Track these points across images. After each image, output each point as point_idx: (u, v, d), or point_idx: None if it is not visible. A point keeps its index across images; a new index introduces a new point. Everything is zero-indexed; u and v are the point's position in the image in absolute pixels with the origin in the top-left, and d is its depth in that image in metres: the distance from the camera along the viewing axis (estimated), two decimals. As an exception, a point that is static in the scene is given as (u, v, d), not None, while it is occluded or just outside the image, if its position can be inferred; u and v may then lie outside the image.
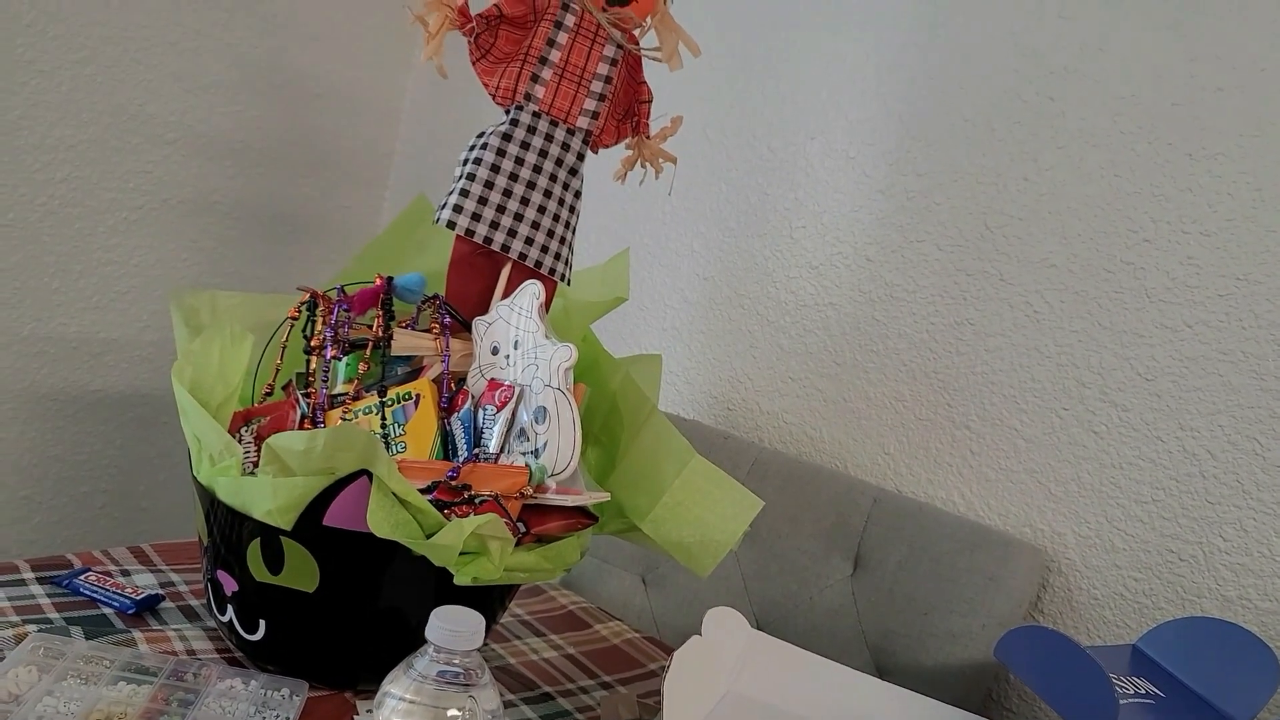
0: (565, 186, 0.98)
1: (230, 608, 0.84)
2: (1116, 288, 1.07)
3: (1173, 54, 1.04)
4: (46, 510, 1.65)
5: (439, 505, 0.79)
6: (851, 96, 1.31)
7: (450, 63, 0.98)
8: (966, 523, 1.12)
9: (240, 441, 0.85)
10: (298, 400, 0.91)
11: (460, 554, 0.77)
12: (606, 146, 1.02)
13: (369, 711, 0.82)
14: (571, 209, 1.00)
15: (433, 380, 0.91)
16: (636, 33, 0.99)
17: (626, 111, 1.02)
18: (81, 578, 0.95)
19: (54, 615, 0.89)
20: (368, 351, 0.92)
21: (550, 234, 0.98)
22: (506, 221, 0.95)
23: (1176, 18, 1.04)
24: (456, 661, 0.61)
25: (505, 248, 0.95)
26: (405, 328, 0.95)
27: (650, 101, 1.02)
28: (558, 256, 0.99)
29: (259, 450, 0.82)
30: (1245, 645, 0.88)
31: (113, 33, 1.54)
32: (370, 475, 0.76)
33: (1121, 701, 0.78)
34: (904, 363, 1.24)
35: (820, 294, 1.33)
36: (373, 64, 1.88)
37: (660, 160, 1.05)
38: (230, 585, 0.83)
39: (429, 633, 0.62)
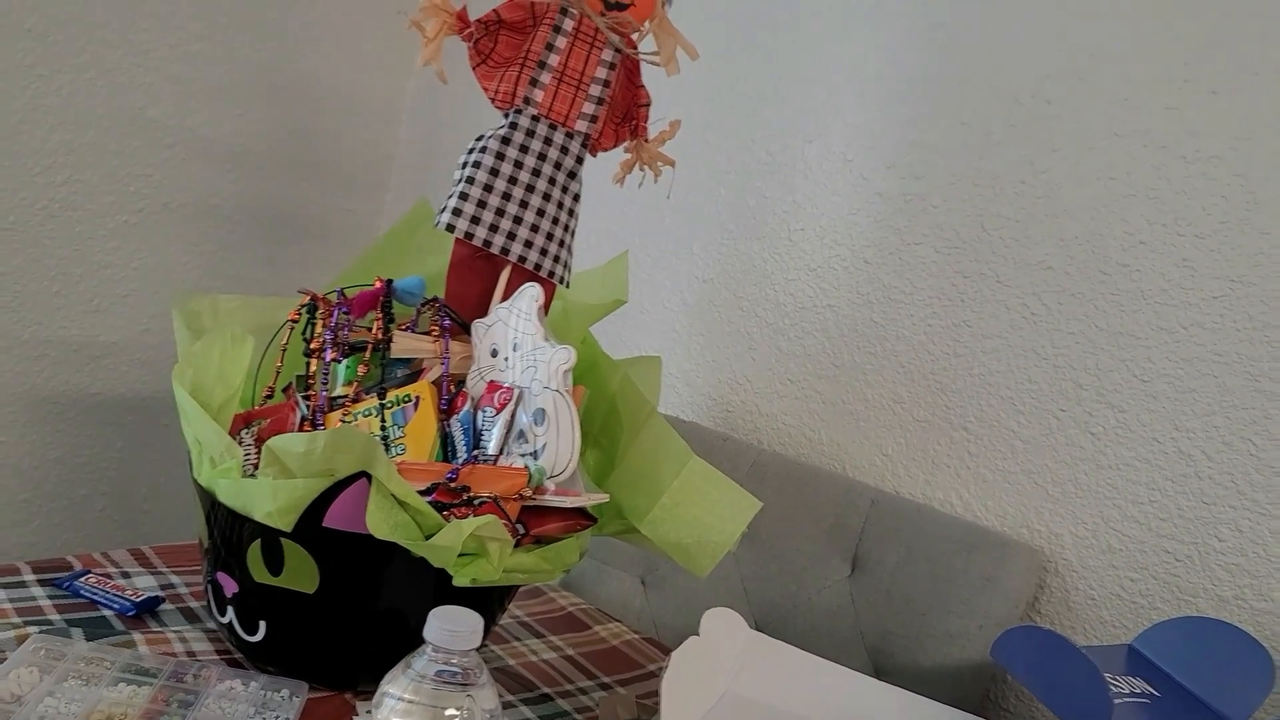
0: (564, 189, 0.99)
1: (230, 609, 0.85)
2: (1113, 290, 1.07)
3: (1166, 58, 1.05)
4: (47, 513, 1.65)
5: (438, 507, 0.80)
6: (849, 100, 1.32)
7: (449, 66, 0.99)
8: (964, 524, 1.12)
9: (241, 444, 0.85)
10: (298, 403, 0.91)
11: (459, 555, 0.78)
12: (605, 150, 1.03)
13: (368, 712, 0.83)
14: (570, 212, 1.01)
15: (432, 382, 0.92)
16: (635, 37, 0.99)
17: (625, 115, 1.03)
18: (82, 580, 0.95)
19: (55, 617, 0.89)
20: (367, 354, 0.92)
21: (549, 237, 0.98)
22: (506, 224, 0.96)
23: (1169, 22, 1.05)
24: (455, 661, 0.62)
25: (504, 250, 0.96)
26: (405, 330, 0.96)
27: (649, 105, 1.03)
28: (557, 259, 1.00)
29: (259, 452, 0.82)
30: (1240, 645, 0.88)
31: (113, 37, 1.55)
32: (370, 477, 0.76)
33: (1116, 701, 0.78)
34: (902, 364, 1.24)
35: (818, 296, 1.33)
36: (373, 67, 1.89)
37: (659, 163, 1.06)
38: (230, 587, 0.84)
39: (427, 633, 0.62)
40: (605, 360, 1.02)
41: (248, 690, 0.81)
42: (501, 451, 0.87)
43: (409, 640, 0.66)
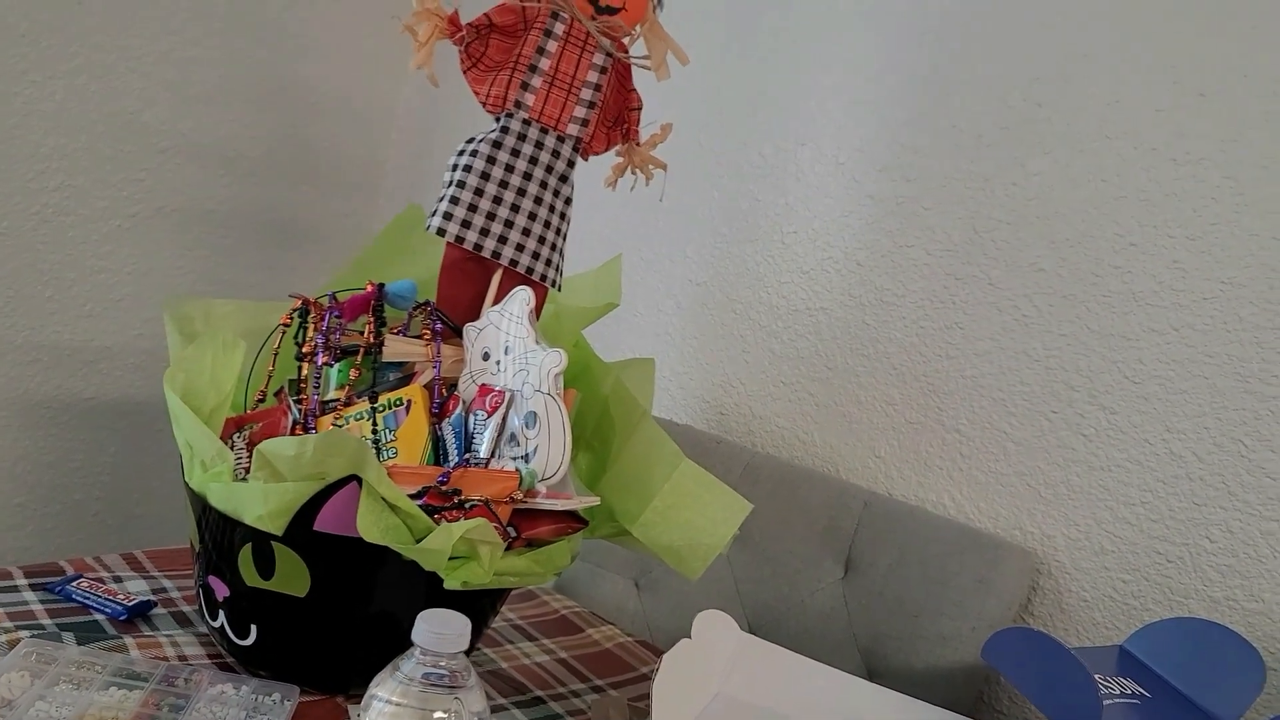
0: (555, 193, 0.99)
1: (222, 613, 0.85)
2: (1104, 291, 1.08)
3: (1155, 60, 1.05)
4: (41, 517, 1.65)
5: (429, 510, 0.80)
6: (841, 103, 1.32)
7: (442, 71, 0.99)
8: (957, 526, 1.12)
9: (233, 448, 0.85)
10: (290, 406, 0.91)
11: (450, 558, 0.78)
12: (597, 153, 1.03)
13: (359, 715, 0.83)
14: (562, 215, 1.01)
15: (424, 386, 0.92)
16: (626, 41, 0.99)
17: (616, 119, 1.03)
18: (74, 584, 0.95)
19: (46, 621, 0.89)
20: (359, 358, 0.92)
21: (541, 240, 0.98)
22: (497, 228, 0.96)
23: (1159, 24, 1.05)
24: (442, 664, 0.62)
25: (496, 254, 0.96)
26: (397, 334, 0.96)
27: (640, 109, 1.03)
28: (548, 263, 1.00)
29: (251, 456, 0.82)
30: (1231, 646, 0.88)
31: (106, 42, 1.55)
32: (360, 480, 0.76)
33: (1106, 702, 0.78)
34: (894, 366, 1.24)
35: (811, 299, 1.33)
36: (367, 72, 1.89)
37: (650, 167, 1.06)
38: (222, 590, 0.84)
39: (415, 635, 0.62)
40: (598, 363, 1.02)
41: (239, 694, 0.81)
42: (493, 455, 0.87)
43: (400, 643, 0.66)
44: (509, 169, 0.96)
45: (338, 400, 0.91)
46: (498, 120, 0.97)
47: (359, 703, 0.84)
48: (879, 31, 1.29)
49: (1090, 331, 1.08)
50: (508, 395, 0.88)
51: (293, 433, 0.89)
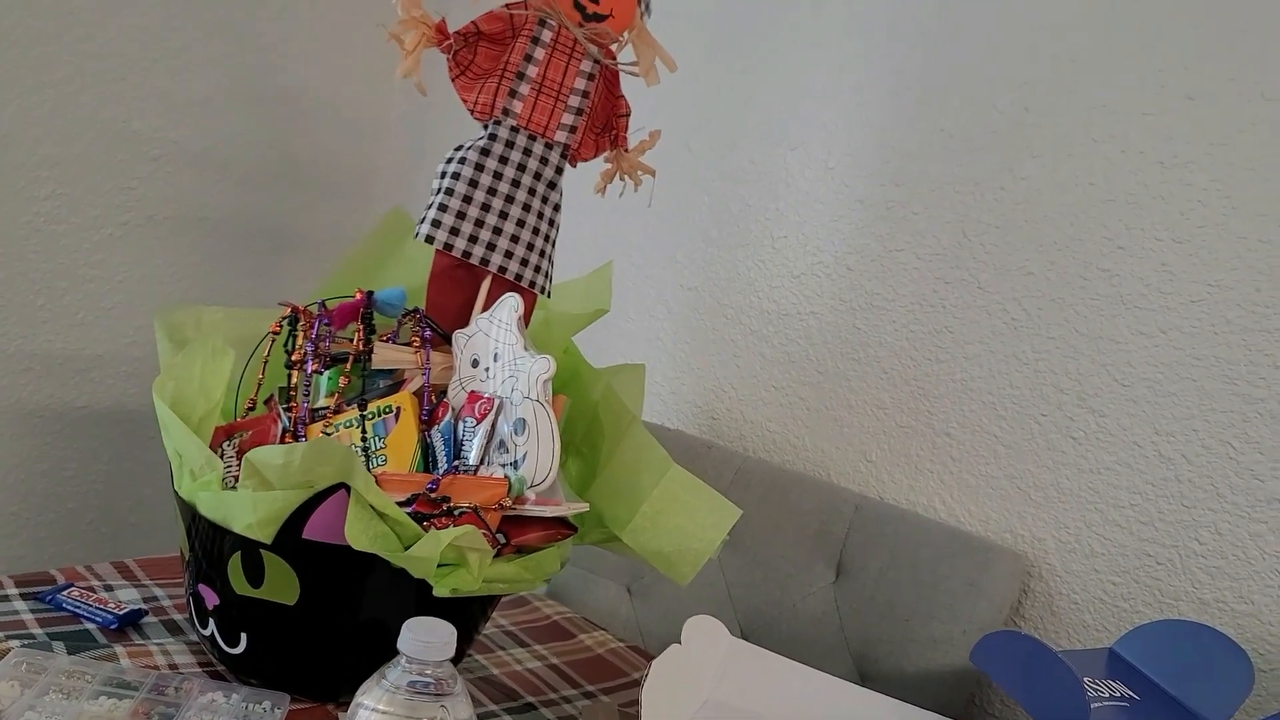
0: (544, 200, 0.99)
1: (212, 621, 0.85)
2: (1093, 294, 1.08)
3: (1143, 64, 1.05)
4: (33, 526, 1.65)
5: (418, 517, 0.80)
6: (830, 108, 1.32)
7: (431, 78, 0.99)
8: (947, 529, 1.13)
9: (222, 456, 0.85)
10: (279, 414, 0.91)
11: (439, 565, 0.78)
12: (585, 160, 1.03)
13: (350, 723, 0.83)
14: (551, 222, 1.01)
15: (413, 393, 0.92)
16: (614, 47, 1.00)
17: (605, 125, 1.03)
18: (64, 593, 0.95)
19: (37, 630, 0.89)
20: (348, 365, 0.92)
21: (530, 247, 0.99)
22: (486, 235, 0.96)
23: (1146, 29, 1.05)
24: (428, 672, 0.62)
25: (484, 261, 0.96)
26: (386, 341, 0.96)
27: (628, 115, 1.03)
28: (538, 269, 1.00)
29: (241, 465, 0.82)
30: (1220, 648, 0.88)
31: (97, 49, 1.55)
32: (349, 488, 0.76)
33: (1095, 705, 0.78)
34: (884, 370, 1.25)
35: (802, 303, 1.34)
36: (359, 79, 1.89)
37: (639, 173, 1.06)
38: (211, 599, 0.84)
39: (400, 643, 0.62)
40: (588, 369, 1.02)
41: (229, 702, 0.81)
42: (482, 461, 0.87)
43: (390, 651, 0.66)
44: (497, 176, 0.96)
45: (327, 408, 0.91)
46: (486, 128, 0.97)
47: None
48: (868, 36, 1.29)
49: (1079, 334, 1.09)
50: (497, 402, 0.88)
51: (282, 440, 0.89)
